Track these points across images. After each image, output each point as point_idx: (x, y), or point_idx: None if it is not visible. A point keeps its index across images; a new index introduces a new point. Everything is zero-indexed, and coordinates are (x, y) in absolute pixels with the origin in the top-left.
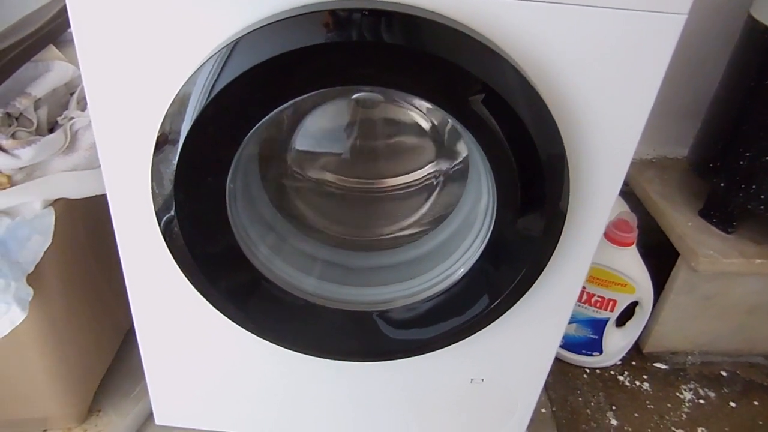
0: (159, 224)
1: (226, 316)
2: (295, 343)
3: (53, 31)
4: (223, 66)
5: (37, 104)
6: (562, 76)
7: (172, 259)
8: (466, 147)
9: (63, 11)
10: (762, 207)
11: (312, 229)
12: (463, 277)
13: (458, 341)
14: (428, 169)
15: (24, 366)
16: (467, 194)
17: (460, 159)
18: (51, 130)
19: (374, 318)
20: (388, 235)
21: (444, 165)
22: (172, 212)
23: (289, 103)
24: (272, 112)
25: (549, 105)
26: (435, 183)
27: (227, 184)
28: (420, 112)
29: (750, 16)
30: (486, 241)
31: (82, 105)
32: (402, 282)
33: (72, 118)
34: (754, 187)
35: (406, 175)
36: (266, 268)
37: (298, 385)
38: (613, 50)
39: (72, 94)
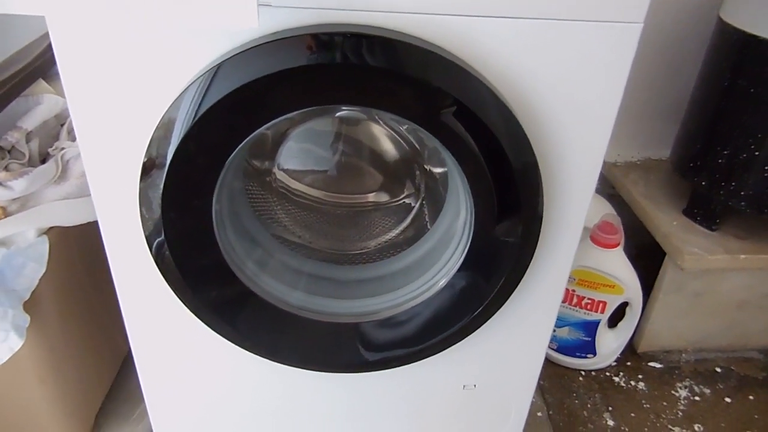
0: (150, 248)
1: (219, 333)
2: (287, 357)
3: (42, 66)
4: (207, 89)
5: (28, 137)
6: (528, 87)
7: (165, 282)
8: (444, 162)
9: (51, 47)
10: (743, 203)
11: (298, 243)
12: (447, 285)
13: (447, 348)
14: (410, 183)
15: (23, 393)
16: (448, 206)
17: (439, 174)
18: (43, 161)
19: (362, 329)
20: (372, 248)
21: (425, 179)
22: (162, 236)
23: (271, 123)
24: (255, 132)
25: (517, 115)
26: (416, 197)
27: (213, 204)
28: (401, 129)
29: (720, 19)
30: (467, 250)
31: (73, 135)
32: (388, 293)
33: (63, 148)
34: (733, 184)
35: (390, 190)
36: (254, 284)
37: (294, 398)
38: (576, 60)
39: (62, 125)
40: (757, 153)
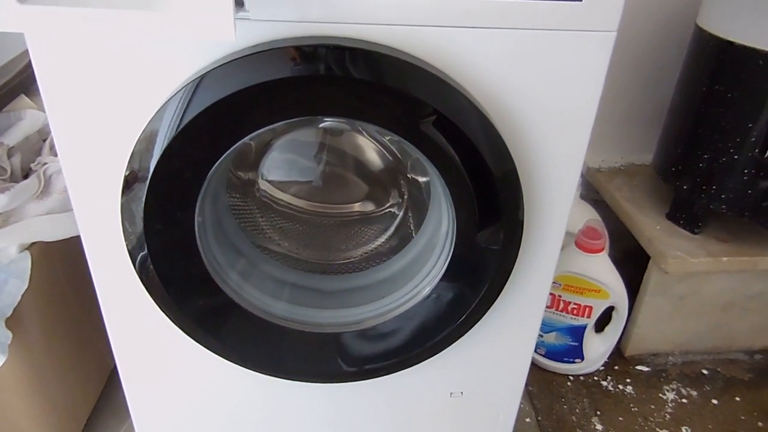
0: (133, 262)
1: (203, 345)
2: (272, 367)
3: (24, 82)
4: (190, 100)
5: (10, 152)
6: (506, 96)
7: (149, 295)
8: (427, 172)
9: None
10: (724, 206)
11: (282, 254)
12: (431, 294)
13: (432, 356)
14: (394, 193)
15: (7, 409)
16: (431, 215)
17: (423, 183)
18: (25, 176)
19: (347, 339)
20: (356, 257)
21: (409, 188)
22: (146, 249)
23: (254, 134)
24: (238, 143)
25: (496, 124)
26: (401, 206)
27: (196, 216)
28: (384, 140)
29: (697, 26)
30: (450, 258)
31: (55, 150)
32: (372, 302)
33: (45, 163)
34: (714, 187)
35: (374, 200)
36: (238, 295)
37: (280, 408)
38: (551, 69)
39: (45, 140)
40: (736, 157)
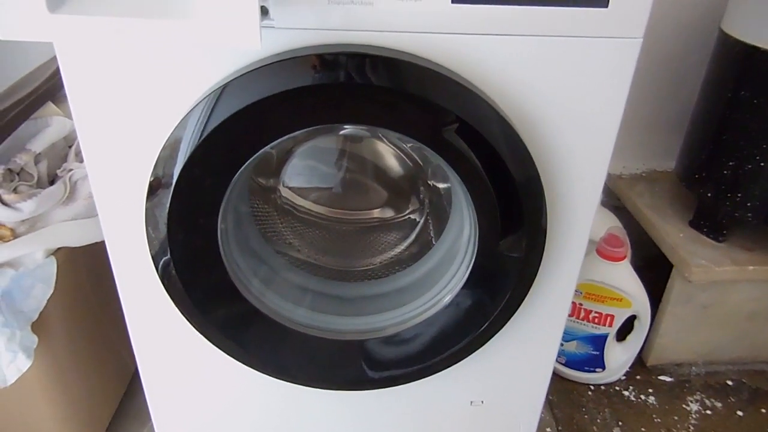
0: (156, 267)
1: (224, 351)
2: (292, 374)
3: (51, 89)
4: (213, 109)
5: (37, 159)
6: (529, 103)
7: (171, 301)
8: (448, 178)
9: (59, 70)
10: (750, 214)
11: (303, 260)
12: (452, 301)
13: (453, 365)
14: (414, 199)
15: (31, 413)
16: (452, 222)
17: (443, 189)
18: (51, 183)
19: (367, 346)
20: (377, 264)
21: (429, 195)
22: (168, 255)
23: (276, 141)
24: (260, 151)
25: (519, 131)
26: (421, 213)
27: (219, 223)
28: (405, 146)
29: (721, 31)
30: (471, 265)
31: (81, 157)
32: (393, 310)
33: (71, 169)
34: (740, 195)
35: (395, 206)
36: (259, 302)
37: (300, 415)
38: (576, 76)
39: (70, 146)
40: (762, 164)
